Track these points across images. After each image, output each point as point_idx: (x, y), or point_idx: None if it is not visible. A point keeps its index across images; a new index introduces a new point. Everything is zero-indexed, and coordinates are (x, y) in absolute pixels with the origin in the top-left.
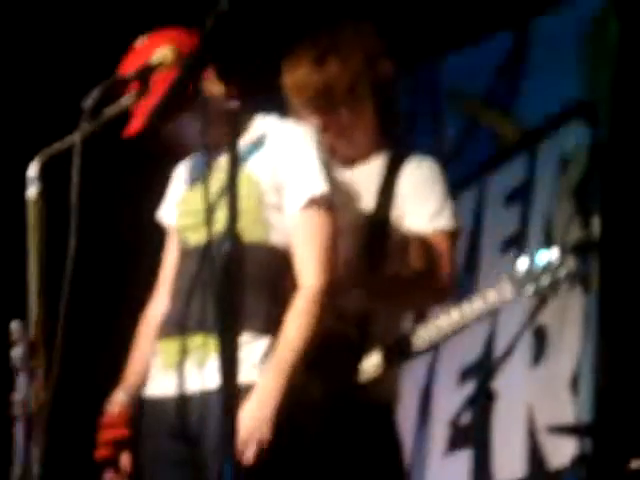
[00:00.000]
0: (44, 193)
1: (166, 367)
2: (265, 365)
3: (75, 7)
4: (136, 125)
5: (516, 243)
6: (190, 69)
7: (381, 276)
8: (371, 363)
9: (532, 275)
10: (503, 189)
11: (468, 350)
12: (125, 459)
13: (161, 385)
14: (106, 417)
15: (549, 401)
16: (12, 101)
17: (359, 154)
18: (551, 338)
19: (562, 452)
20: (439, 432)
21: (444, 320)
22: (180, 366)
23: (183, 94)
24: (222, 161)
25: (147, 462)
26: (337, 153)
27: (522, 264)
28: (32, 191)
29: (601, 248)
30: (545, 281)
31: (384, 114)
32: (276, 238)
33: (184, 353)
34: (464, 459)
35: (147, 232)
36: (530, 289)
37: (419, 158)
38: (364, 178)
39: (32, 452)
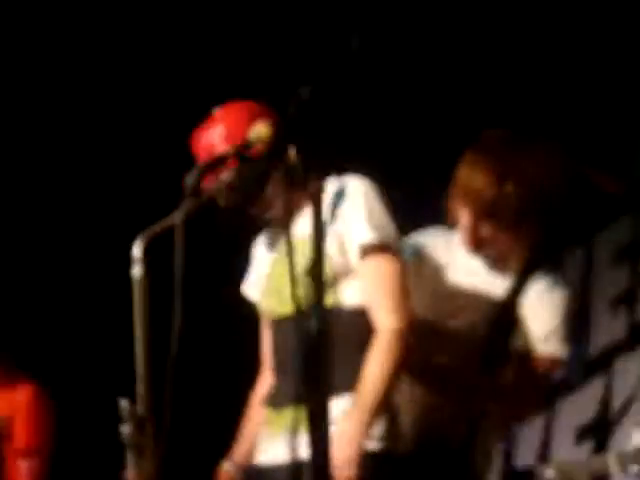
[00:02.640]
0: (148, 272)
1: (273, 436)
2: (347, 409)
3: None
4: None
5: (626, 302)
6: (274, 152)
7: (497, 381)
8: None
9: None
10: (611, 248)
11: (585, 408)
12: None
13: (269, 453)
14: None
15: None
16: (115, 180)
17: (502, 259)
18: None
19: None
20: None
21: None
22: (284, 436)
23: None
24: (297, 233)
25: None
26: (481, 250)
27: (637, 438)
28: (137, 270)
29: None
30: None
31: (542, 235)
32: (351, 297)
33: (287, 423)
34: None
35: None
36: (635, 468)
37: (552, 280)
38: (498, 285)
39: None
